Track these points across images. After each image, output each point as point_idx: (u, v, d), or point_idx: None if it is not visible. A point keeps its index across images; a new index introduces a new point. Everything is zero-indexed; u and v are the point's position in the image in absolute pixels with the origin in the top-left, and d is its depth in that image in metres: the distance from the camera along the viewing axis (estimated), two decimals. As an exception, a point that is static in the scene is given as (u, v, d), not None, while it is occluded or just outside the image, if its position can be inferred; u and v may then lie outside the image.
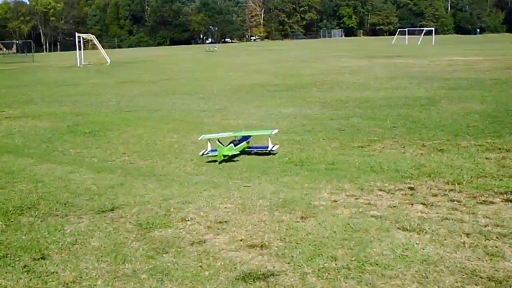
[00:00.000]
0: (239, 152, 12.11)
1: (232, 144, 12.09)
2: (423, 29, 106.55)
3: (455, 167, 10.05)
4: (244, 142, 12.53)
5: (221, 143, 11.88)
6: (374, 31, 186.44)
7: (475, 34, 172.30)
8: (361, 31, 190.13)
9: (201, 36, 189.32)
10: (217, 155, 11.66)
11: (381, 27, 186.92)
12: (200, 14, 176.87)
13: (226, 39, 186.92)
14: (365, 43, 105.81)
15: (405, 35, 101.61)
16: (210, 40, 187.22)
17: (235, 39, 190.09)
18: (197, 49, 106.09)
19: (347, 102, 20.02)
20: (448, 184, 8.98)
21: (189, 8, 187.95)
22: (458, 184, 8.96)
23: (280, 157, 11.61)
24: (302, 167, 10.65)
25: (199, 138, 12.97)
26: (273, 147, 12.26)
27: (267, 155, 12.05)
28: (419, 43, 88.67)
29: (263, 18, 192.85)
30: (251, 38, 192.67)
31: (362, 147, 12.24)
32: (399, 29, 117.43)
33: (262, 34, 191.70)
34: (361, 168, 10.33)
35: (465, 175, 9.46)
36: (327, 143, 12.92)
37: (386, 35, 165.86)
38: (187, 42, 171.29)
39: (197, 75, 38.34)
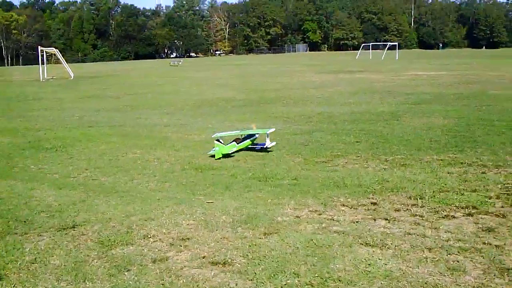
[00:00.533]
0: (240, 149, 13.69)
1: (234, 142, 13.78)
2: (387, 44, 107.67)
3: (417, 182, 10.13)
4: (248, 140, 14.04)
5: (221, 142, 13.28)
6: (338, 46, 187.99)
7: (439, 49, 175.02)
8: (326, 45, 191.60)
9: (166, 50, 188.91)
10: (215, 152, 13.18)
11: (346, 41, 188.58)
12: (165, 28, 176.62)
13: (191, 54, 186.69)
14: (329, 58, 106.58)
15: (369, 49, 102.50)
16: (174, 54, 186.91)
17: (200, 53, 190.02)
18: (162, 64, 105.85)
19: (311, 117, 20.09)
20: (411, 199, 9.04)
21: (154, 22, 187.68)
22: (420, 199, 9.02)
23: (244, 172, 11.59)
24: (266, 182, 10.63)
25: (212, 136, 14.27)
26: (269, 144, 13.81)
27: (266, 151, 13.72)
28: (382, 58, 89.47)
29: (228, 33, 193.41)
30: (216, 52, 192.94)
31: (326, 162, 12.27)
32: (363, 44, 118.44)
33: (227, 49, 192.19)
34: (324, 183, 10.35)
35: (428, 190, 9.54)
36: (290, 158, 12.93)
37: (351, 50, 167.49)
38: (152, 56, 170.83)
39: (161, 90, 38.20)
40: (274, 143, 14.05)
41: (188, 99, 29.61)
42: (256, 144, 14.15)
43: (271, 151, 13.71)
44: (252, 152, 13.81)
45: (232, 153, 13.47)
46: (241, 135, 14.30)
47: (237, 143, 13.76)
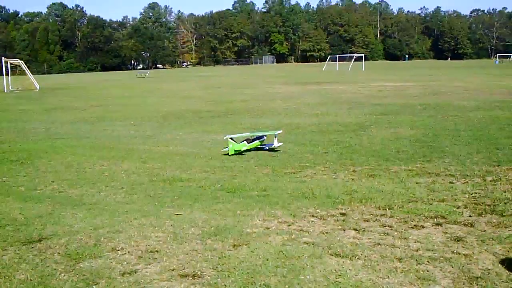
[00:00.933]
0: (250, 149, 15.13)
1: (245, 142, 15.23)
2: (354, 55, 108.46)
3: (386, 192, 10.16)
4: (257, 141, 15.42)
5: (234, 140, 14.87)
6: (305, 58, 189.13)
7: (404, 60, 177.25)
8: (293, 57, 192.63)
9: (133, 62, 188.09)
10: (229, 149, 14.78)
11: (312, 53, 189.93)
12: (132, 39, 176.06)
13: (157, 65, 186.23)
14: (296, 70, 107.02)
15: (336, 61, 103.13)
16: (141, 66, 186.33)
17: (167, 65, 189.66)
18: (128, 75, 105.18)
19: (279, 128, 20.06)
20: (380, 209, 9.05)
21: (121, 33, 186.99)
22: (389, 209, 9.04)
23: (212, 184, 11.52)
24: (234, 194, 10.58)
25: (224, 138, 15.55)
26: (277, 144, 15.18)
27: (274, 150, 15.07)
28: (349, 69, 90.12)
29: (195, 44, 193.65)
30: (183, 64, 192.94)
31: (294, 173, 12.27)
32: (329, 56, 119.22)
33: (194, 60, 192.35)
34: (293, 194, 10.33)
35: (396, 200, 9.57)
36: (259, 169, 12.91)
37: (317, 62, 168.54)
38: (118, 68, 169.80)
39: (128, 102, 38.00)
40: (281, 144, 15.43)
41: (155, 111, 29.49)
42: (265, 145, 15.50)
43: (279, 150, 14.87)
44: (221, 163, 13.81)
45: (243, 151, 14.97)
46: (251, 136, 15.57)
47: (248, 143, 15.08)
